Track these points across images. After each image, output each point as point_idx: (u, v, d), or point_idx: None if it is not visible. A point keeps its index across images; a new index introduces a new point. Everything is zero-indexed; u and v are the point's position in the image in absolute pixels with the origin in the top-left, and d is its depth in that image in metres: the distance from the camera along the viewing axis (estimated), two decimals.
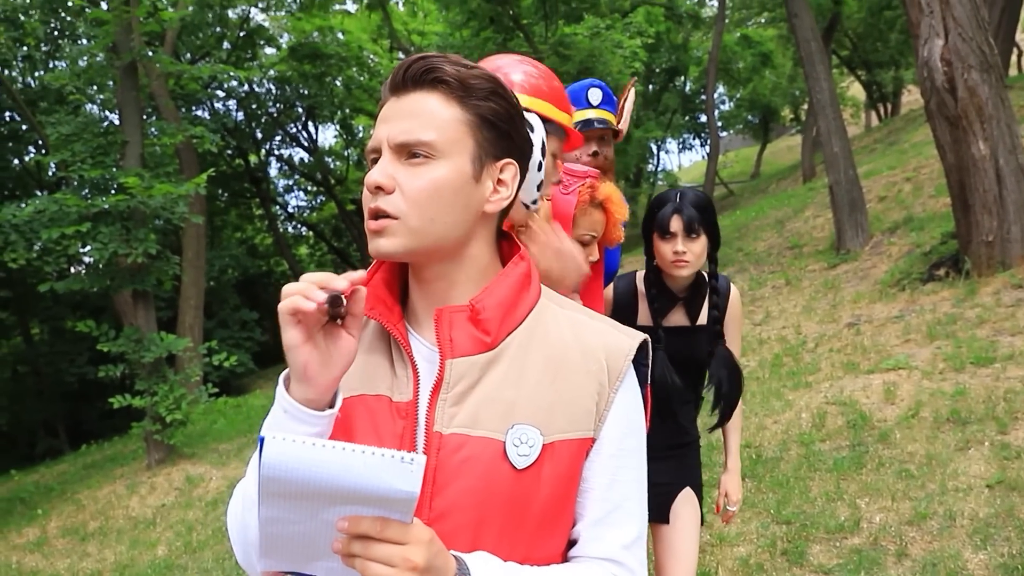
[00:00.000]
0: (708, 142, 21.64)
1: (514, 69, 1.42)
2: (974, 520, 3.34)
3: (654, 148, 28.26)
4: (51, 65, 16.44)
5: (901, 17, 17.98)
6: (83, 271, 10.25)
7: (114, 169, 7.73)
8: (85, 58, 9.55)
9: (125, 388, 8.47)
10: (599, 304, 1.91)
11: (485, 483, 0.89)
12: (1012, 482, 3.54)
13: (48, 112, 9.96)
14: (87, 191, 8.02)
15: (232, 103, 21.17)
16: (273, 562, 0.80)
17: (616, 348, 0.96)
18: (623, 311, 2.17)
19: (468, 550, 0.86)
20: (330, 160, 25.69)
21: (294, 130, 23.62)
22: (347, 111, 22.57)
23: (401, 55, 19.60)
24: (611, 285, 2.21)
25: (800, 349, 6.53)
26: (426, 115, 0.90)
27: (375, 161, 0.92)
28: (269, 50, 21.13)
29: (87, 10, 8.32)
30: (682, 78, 26.71)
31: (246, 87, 20.46)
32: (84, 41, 13.15)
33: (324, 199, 26.41)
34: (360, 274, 0.86)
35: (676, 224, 2.03)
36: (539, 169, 1.27)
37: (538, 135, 1.25)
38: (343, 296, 0.81)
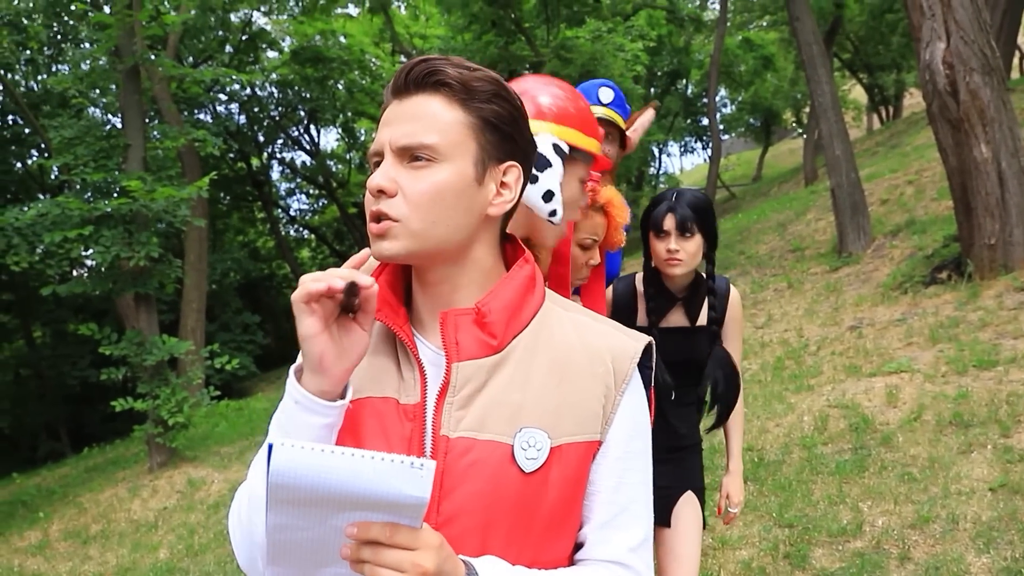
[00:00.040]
0: (710, 145, 21.60)
1: (541, 92, 1.42)
2: (977, 524, 3.33)
3: (656, 151, 28.27)
4: (54, 69, 16.52)
5: (903, 20, 18.01)
6: (85, 274, 10.23)
7: (116, 172, 7.75)
8: (88, 62, 9.54)
9: (127, 391, 8.45)
10: (601, 306, 1.91)
11: (493, 487, 0.88)
12: (1015, 485, 3.53)
13: (51, 115, 10.00)
14: (89, 194, 8.02)
15: (234, 106, 21.27)
16: (281, 569, 0.80)
17: (622, 351, 0.96)
18: (622, 312, 2.17)
19: (476, 554, 0.86)
20: (332, 163, 25.69)
21: (296, 133, 23.70)
22: (349, 114, 22.60)
23: (403, 58, 19.64)
24: (611, 287, 2.21)
25: (802, 352, 6.51)
26: (428, 118, 0.89)
27: (377, 164, 0.92)
28: (271, 54, 21.18)
29: (90, 14, 8.36)
30: (684, 81, 26.74)
31: (248, 91, 20.52)
32: (87, 45, 13.22)
33: (326, 202, 26.44)
34: (364, 254, 0.86)
35: (670, 222, 2.04)
36: (547, 199, 1.33)
37: (556, 172, 1.32)
38: (358, 286, 0.82)
